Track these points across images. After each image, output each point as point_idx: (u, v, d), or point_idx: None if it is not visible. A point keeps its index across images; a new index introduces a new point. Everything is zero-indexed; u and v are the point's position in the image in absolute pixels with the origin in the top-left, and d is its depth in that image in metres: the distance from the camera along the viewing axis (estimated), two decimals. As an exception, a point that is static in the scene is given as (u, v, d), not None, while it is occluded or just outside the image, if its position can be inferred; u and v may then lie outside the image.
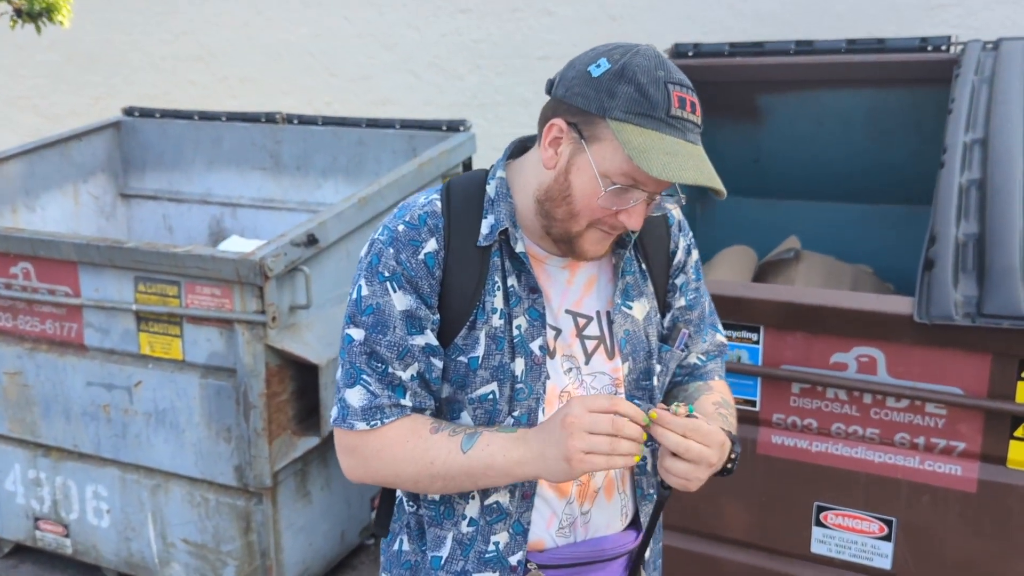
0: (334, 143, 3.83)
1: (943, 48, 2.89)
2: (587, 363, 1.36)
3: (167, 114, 4.22)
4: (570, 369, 1.35)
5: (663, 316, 1.46)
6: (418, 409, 1.33)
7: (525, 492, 1.34)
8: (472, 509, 1.36)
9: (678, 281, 1.48)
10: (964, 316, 1.87)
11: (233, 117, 4.07)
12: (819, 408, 2.10)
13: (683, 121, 1.19)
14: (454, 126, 3.63)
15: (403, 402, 1.31)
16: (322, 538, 3.07)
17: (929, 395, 1.96)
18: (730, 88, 3.15)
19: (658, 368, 1.41)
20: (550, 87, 1.31)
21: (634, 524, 1.44)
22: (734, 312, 2.10)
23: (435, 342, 1.31)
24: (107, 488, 3.01)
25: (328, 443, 2.98)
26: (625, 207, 1.24)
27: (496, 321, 1.31)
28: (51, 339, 3.00)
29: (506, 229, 1.32)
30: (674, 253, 1.47)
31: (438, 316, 1.31)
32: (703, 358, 1.55)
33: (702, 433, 1.21)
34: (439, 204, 1.33)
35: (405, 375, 1.31)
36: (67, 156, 3.98)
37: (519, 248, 1.32)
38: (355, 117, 3.81)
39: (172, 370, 2.80)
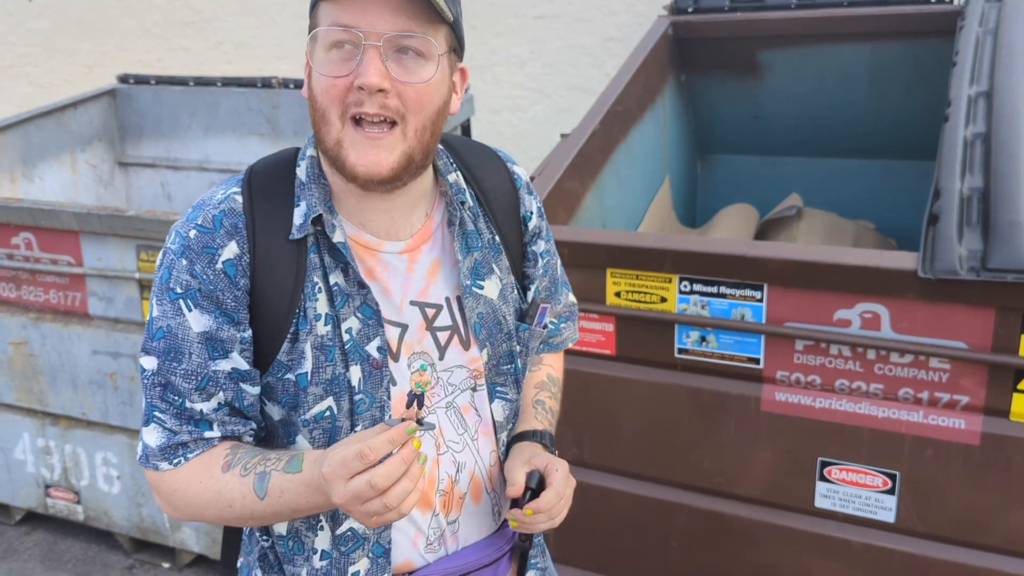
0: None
1: (946, 0, 2.86)
2: (441, 358, 1.22)
3: (162, 80, 4.18)
4: (423, 367, 1.21)
5: (522, 289, 1.34)
6: (230, 437, 1.18)
7: None
8: (323, 541, 1.21)
9: (536, 248, 1.35)
10: (969, 271, 1.87)
11: (229, 82, 4.04)
12: (823, 364, 2.11)
13: None
14: (452, 88, 3.59)
15: (208, 434, 1.15)
16: (330, 501, 3.10)
17: (933, 350, 1.97)
18: (730, 44, 3.12)
19: (518, 349, 1.29)
20: None
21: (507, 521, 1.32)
22: (737, 270, 2.10)
23: (245, 365, 1.14)
24: (116, 455, 3.03)
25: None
26: (354, 69, 1.07)
27: (321, 328, 1.14)
28: (55, 309, 3.01)
29: (320, 216, 1.15)
30: (527, 218, 1.34)
31: (249, 332, 1.14)
32: (555, 321, 1.46)
33: (551, 504, 1.19)
34: (239, 199, 1.15)
35: (208, 407, 1.14)
36: (63, 125, 3.95)
37: (337, 237, 1.14)
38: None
39: (177, 338, 2.81)
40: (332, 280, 1.15)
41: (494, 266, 1.28)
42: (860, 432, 2.10)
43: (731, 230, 3.02)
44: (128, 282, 2.84)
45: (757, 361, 2.17)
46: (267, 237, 1.13)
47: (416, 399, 1.06)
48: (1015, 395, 1.94)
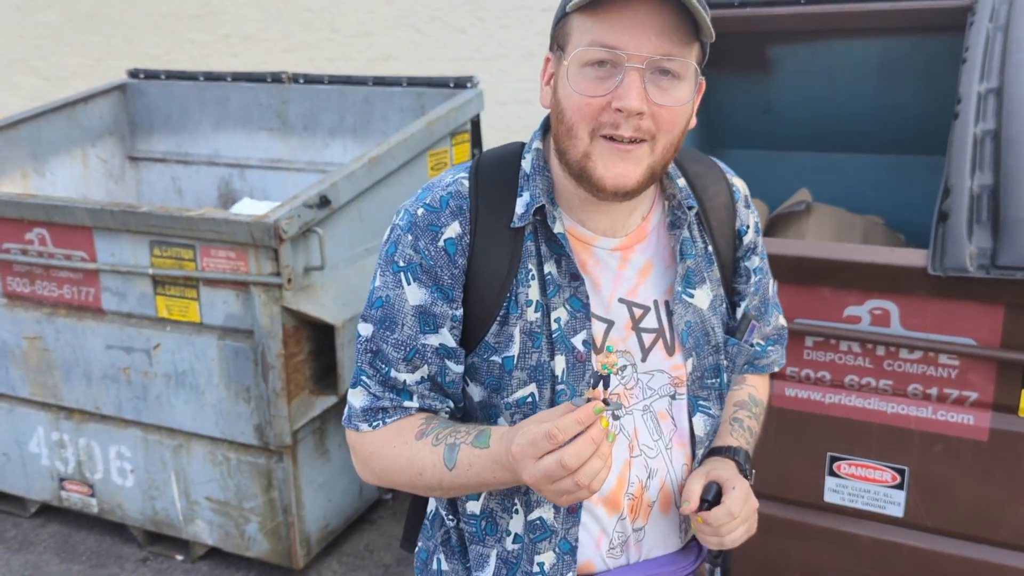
0: (341, 102, 3.82)
1: (956, -5, 2.85)
2: (644, 360, 1.21)
3: (172, 75, 4.20)
4: (624, 367, 1.20)
5: (730, 304, 1.32)
6: (427, 411, 1.22)
7: (571, 506, 1.19)
8: (516, 524, 1.22)
9: (749, 264, 1.32)
10: (978, 268, 1.89)
11: (238, 77, 4.05)
12: (832, 361, 2.13)
13: None
14: (461, 83, 3.61)
15: (407, 404, 1.20)
16: (341, 494, 3.13)
17: (942, 346, 1.99)
18: (740, 39, 3.12)
19: (724, 363, 1.27)
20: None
21: (695, 540, 1.32)
22: (748, 267, 2.12)
23: (452, 343, 1.18)
24: (130, 449, 3.07)
25: (346, 401, 3.03)
26: (612, 90, 1.07)
27: (531, 315, 1.17)
28: (69, 304, 3.03)
29: (542, 207, 1.17)
30: (742, 231, 1.32)
31: (460, 311, 1.17)
32: (762, 344, 1.43)
33: (720, 521, 1.16)
34: (466, 183, 1.19)
35: (412, 378, 1.19)
36: (74, 120, 3.97)
37: (557, 228, 1.17)
38: (361, 75, 3.79)
39: (190, 332, 2.83)
40: (547, 269, 1.18)
41: (706, 276, 1.27)
42: (869, 428, 2.12)
43: (740, 225, 3.03)
44: (141, 277, 2.86)
45: (767, 357, 2.18)
46: (488, 222, 1.17)
47: (602, 380, 1.05)
48: (1024, 391, 1.95)
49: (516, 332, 1.17)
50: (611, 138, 1.10)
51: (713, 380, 1.26)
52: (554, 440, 1.00)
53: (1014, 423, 1.98)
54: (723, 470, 1.23)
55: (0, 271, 3.11)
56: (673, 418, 1.25)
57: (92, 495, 3.21)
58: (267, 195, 3.98)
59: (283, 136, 3.98)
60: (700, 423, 1.26)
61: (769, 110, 3.28)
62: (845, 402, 2.13)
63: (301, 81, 3.93)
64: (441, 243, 1.16)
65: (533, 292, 1.17)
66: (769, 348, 1.45)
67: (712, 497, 1.19)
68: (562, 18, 1.13)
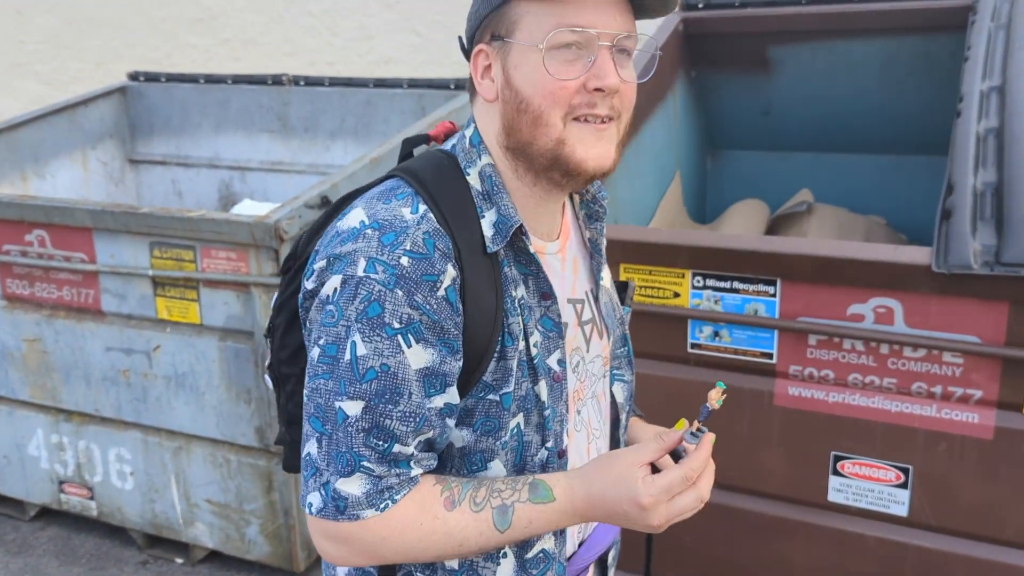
0: (342, 104, 3.82)
1: (958, -6, 2.85)
2: (588, 351, 1.22)
3: (172, 78, 4.20)
4: (578, 364, 1.20)
5: None
6: (424, 473, 1.11)
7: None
8: (506, 570, 1.16)
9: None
10: (983, 265, 1.88)
11: (239, 80, 4.05)
12: (836, 359, 2.12)
13: None
14: (462, 84, 3.61)
15: (412, 474, 1.07)
16: (342, 496, 3.12)
17: (946, 344, 1.97)
18: (740, 40, 3.12)
19: (627, 332, 1.33)
20: (462, 49, 1.16)
21: None
22: (750, 265, 2.11)
23: (456, 399, 1.07)
24: (130, 451, 3.05)
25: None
26: (587, 70, 1.05)
27: (521, 344, 1.10)
28: (69, 305, 3.02)
29: (519, 226, 1.10)
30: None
31: (461, 361, 1.07)
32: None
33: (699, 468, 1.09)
34: (432, 216, 1.05)
35: (411, 447, 1.06)
36: (75, 122, 3.97)
37: (533, 247, 1.12)
38: (362, 77, 3.79)
39: (190, 334, 2.82)
40: (517, 292, 1.11)
41: (605, 256, 1.31)
42: (873, 426, 2.11)
43: (742, 225, 3.02)
44: (141, 279, 2.85)
45: (770, 356, 2.17)
46: (470, 256, 1.06)
47: (708, 413, 1.11)
48: (1029, 389, 1.94)
49: (513, 366, 1.09)
50: (585, 119, 1.07)
51: (622, 349, 1.33)
52: (690, 481, 1.05)
53: (1019, 421, 1.97)
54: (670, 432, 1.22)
55: (0, 273, 3.10)
56: (605, 395, 1.30)
57: (92, 498, 3.19)
58: (268, 197, 3.98)
59: (284, 138, 3.98)
60: (619, 390, 1.33)
61: (770, 111, 3.28)
62: (849, 401, 2.12)
63: (302, 83, 3.93)
64: (442, 292, 1.03)
65: (520, 321, 1.11)
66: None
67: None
68: (500, 6, 1.07)
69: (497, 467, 1.12)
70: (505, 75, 1.08)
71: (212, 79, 4.10)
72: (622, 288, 1.38)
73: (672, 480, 1.04)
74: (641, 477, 1.05)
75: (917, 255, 1.97)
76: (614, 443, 1.34)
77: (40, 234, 2.98)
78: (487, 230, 1.09)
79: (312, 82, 3.90)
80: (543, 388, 1.12)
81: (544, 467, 1.15)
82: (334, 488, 1.05)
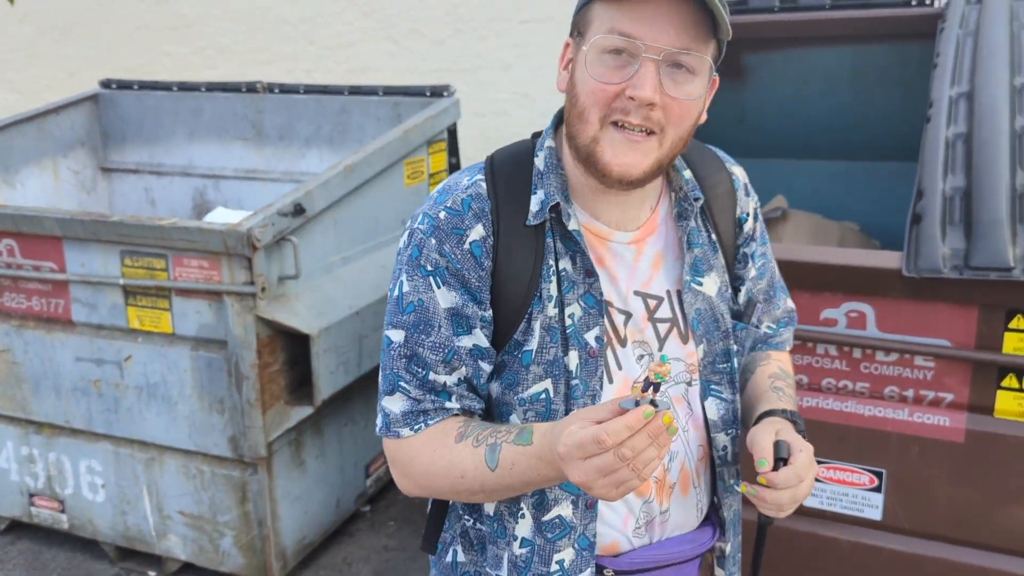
0: (317, 112, 3.80)
1: (927, 2, 2.88)
2: (660, 349, 1.24)
3: (145, 85, 4.16)
4: (642, 356, 1.23)
5: (734, 290, 1.36)
6: (466, 412, 1.22)
7: (588, 501, 1.21)
8: (524, 528, 1.23)
9: (748, 250, 1.36)
10: (952, 269, 1.89)
11: (213, 87, 4.02)
12: (809, 364, 2.13)
13: None
14: (438, 92, 3.60)
15: (448, 405, 1.20)
16: (318, 506, 3.09)
17: (918, 348, 1.99)
18: (715, 47, 3.13)
19: (735, 348, 1.31)
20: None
21: (708, 520, 1.34)
22: (724, 271, 2.11)
23: (485, 343, 1.20)
24: (101, 463, 3.01)
25: (321, 412, 2.99)
26: (628, 79, 1.09)
27: (551, 310, 1.19)
28: (38, 316, 2.98)
29: (558, 204, 1.20)
30: (743, 219, 1.35)
31: (490, 312, 1.19)
32: (774, 327, 1.45)
33: (788, 483, 1.12)
34: (483, 185, 1.21)
35: (450, 380, 1.20)
36: (45, 130, 3.92)
37: (572, 225, 1.19)
38: (337, 85, 3.77)
39: (162, 343, 2.79)
40: (561, 265, 1.19)
41: (712, 264, 1.30)
42: (847, 431, 2.11)
43: (717, 232, 3.03)
44: (112, 288, 2.82)
45: (744, 361, 2.18)
46: (509, 222, 1.18)
47: (652, 386, 1.05)
48: (999, 392, 1.95)
49: (537, 327, 1.18)
50: (621, 125, 1.12)
51: (724, 365, 1.30)
52: (603, 445, 0.99)
53: (990, 424, 1.98)
54: (790, 433, 1.21)
55: (-32, 283, 3.05)
56: (689, 403, 1.28)
57: (62, 511, 3.14)
58: (242, 205, 3.94)
59: (258, 146, 3.95)
60: (712, 407, 1.30)
61: (744, 118, 3.30)
62: (823, 405, 2.13)
63: (276, 91, 3.91)
64: (467, 246, 1.17)
65: (552, 288, 1.19)
66: (781, 330, 1.47)
67: (783, 455, 1.16)
68: (585, 4, 1.15)
69: (515, 422, 1.21)
70: (572, 69, 1.17)
71: (186, 87, 4.07)
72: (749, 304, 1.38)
73: (583, 438, 1.00)
74: (570, 429, 1.03)
75: (888, 260, 1.98)
76: (711, 462, 1.32)
77: (9, 243, 2.93)
78: (533, 206, 1.20)
79: (287, 89, 3.88)
80: (573, 359, 1.18)
81: None
82: (382, 405, 1.22)
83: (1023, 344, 1.91)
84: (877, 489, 2.10)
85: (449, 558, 1.34)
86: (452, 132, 3.57)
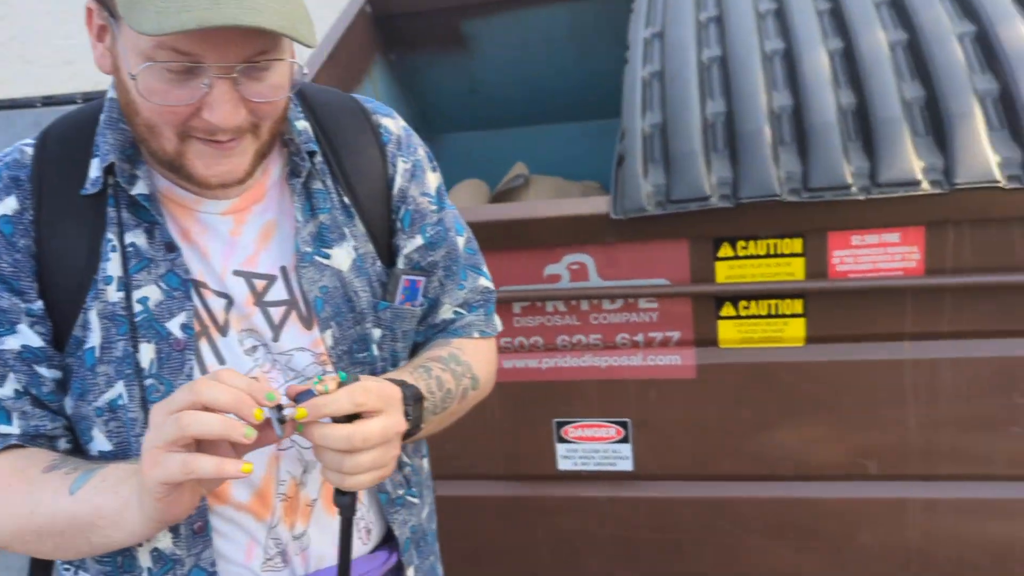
0: (8, 129, 3.37)
1: (630, -44, 2.91)
2: (276, 339, 1.03)
3: None
4: (254, 347, 1.02)
5: (390, 263, 1.12)
6: (38, 435, 0.99)
7: (196, 525, 1.00)
8: (144, 557, 1.02)
9: (399, 214, 1.13)
10: (656, 205, 1.87)
11: None
12: (542, 324, 2.05)
13: None
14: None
15: (6, 430, 0.97)
16: None
17: (639, 291, 1.96)
18: (431, 17, 3.04)
19: (377, 333, 1.08)
20: None
21: (387, 542, 1.14)
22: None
23: (38, 342, 0.98)
24: None
25: None
26: (199, 97, 0.89)
27: (113, 294, 0.98)
28: None
29: (112, 165, 0.99)
30: (392, 180, 1.12)
31: (39, 304, 0.98)
32: (461, 310, 1.20)
33: (349, 439, 0.87)
34: (29, 151, 1.01)
35: (2, 392, 0.97)
36: None
37: (138, 190, 0.99)
38: (28, 97, 3.37)
39: None
40: (130, 239, 0.99)
41: (346, 231, 1.08)
42: (587, 386, 2.06)
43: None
44: None
45: (476, 331, 2.07)
46: (58, 192, 0.99)
47: (292, 402, 0.88)
48: (719, 322, 1.96)
49: (94, 317, 0.97)
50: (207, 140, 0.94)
51: (363, 354, 1.07)
52: (195, 397, 0.82)
53: (717, 355, 1.98)
54: (382, 388, 0.97)
55: None
56: None
57: None
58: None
59: None
60: None
61: (476, 89, 3.23)
62: (561, 364, 2.07)
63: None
64: None
65: (113, 267, 0.98)
66: (469, 315, 1.22)
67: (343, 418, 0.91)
68: None
69: (100, 440, 0.99)
70: (114, 54, 0.95)
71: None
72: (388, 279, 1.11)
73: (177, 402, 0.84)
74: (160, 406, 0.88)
75: (597, 205, 1.93)
76: None
77: None
78: (93, 171, 1.00)
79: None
80: (147, 353, 0.98)
81: None
82: None
83: (733, 272, 1.92)
84: (625, 440, 2.07)
85: None
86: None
